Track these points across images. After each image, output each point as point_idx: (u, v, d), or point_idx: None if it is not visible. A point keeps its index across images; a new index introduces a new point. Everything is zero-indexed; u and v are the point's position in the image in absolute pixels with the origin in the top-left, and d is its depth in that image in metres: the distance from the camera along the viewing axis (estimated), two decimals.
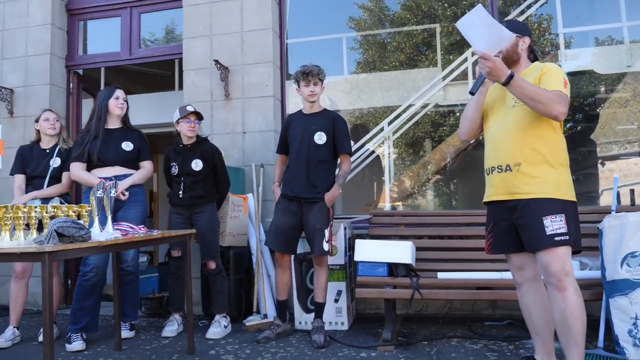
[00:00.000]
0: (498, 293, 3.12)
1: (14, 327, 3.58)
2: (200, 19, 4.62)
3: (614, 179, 3.36)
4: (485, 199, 2.48)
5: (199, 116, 3.70)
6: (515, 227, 2.34)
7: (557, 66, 2.37)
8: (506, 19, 4.57)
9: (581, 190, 4.95)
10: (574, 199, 2.29)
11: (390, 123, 5.51)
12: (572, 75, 4.93)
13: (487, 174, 2.45)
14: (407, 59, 5.79)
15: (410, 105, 5.38)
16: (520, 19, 4.77)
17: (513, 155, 2.30)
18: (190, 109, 3.67)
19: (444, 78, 5.27)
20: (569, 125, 5.37)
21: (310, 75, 3.38)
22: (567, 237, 2.19)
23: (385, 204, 5.45)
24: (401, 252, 3.27)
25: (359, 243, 3.37)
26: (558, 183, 2.26)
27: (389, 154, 5.77)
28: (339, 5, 5.48)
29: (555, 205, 2.23)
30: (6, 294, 4.03)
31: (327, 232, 3.34)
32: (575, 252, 2.29)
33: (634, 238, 2.75)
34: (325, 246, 3.32)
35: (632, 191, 4.56)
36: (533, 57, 2.52)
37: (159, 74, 7.41)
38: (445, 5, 5.42)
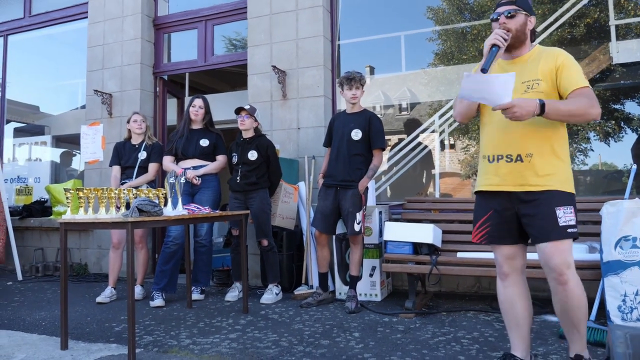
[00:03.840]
0: None
1: (112, 287, 4.46)
2: (262, 29, 5.28)
3: (632, 169, 3.58)
4: (487, 187, 2.34)
5: (249, 111, 4.28)
6: (517, 218, 2.29)
7: (569, 54, 2.28)
8: None
9: None
10: (574, 191, 2.30)
11: (440, 117, 5.83)
12: None
13: (490, 162, 2.32)
14: None
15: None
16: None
17: (525, 145, 2.23)
18: (246, 106, 4.31)
19: None
20: None
21: (354, 80, 3.92)
22: (576, 230, 2.20)
23: (435, 193, 5.82)
24: (423, 233, 3.73)
25: (387, 225, 3.87)
26: (566, 176, 2.26)
27: (440, 147, 6.07)
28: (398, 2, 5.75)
29: (566, 197, 2.22)
30: (107, 264, 4.95)
31: (358, 215, 3.87)
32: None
33: (628, 223, 3.02)
34: (357, 227, 3.85)
35: None
36: (532, 38, 2.41)
37: (236, 72, 8.22)
38: None
